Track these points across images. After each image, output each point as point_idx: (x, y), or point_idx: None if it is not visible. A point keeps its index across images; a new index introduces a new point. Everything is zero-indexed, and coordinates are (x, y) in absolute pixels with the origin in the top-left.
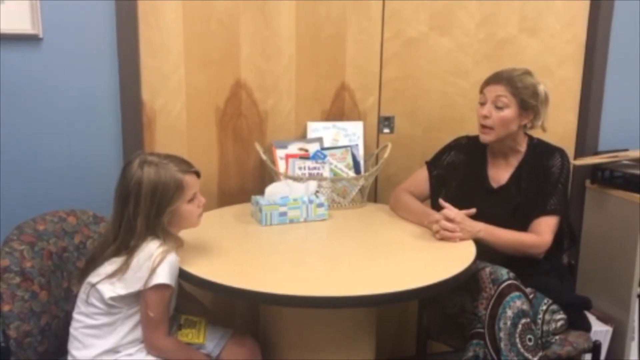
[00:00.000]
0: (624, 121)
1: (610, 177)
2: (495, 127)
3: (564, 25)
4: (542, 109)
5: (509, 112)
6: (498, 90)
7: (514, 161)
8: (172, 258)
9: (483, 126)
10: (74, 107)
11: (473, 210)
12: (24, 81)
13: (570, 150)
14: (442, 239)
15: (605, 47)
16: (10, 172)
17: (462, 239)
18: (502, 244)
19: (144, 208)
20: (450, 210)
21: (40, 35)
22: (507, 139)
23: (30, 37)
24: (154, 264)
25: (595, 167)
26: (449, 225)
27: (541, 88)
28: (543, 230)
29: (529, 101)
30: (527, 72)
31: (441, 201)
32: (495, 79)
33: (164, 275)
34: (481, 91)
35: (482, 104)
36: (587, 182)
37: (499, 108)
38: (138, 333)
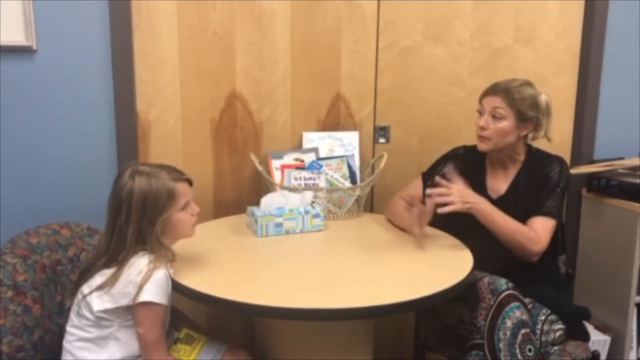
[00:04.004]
0: (619, 130)
1: (606, 185)
2: (493, 137)
3: (558, 34)
4: (544, 120)
5: (506, 124)
6: (495, 101)
7: (513, 171)
8: (160, 275)
9: (481, 136)
10: (69, 118)
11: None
12: (18, 93)
13: (566, 159)
14: (438, 206)
15: (599, 56)
16: (4, 184)
17: (458, 206)
18: (499, 227)
19: (135, 218)
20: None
21: (34, 47)
22: (506, 148)
23: (24, 48)
24: (142, 280)
25: (591, 176)
26: (437, 190)
27: (542, 98)
28: (539, 230)
29: (526, 113)
30: (527, 83)
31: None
32: (493, 90)
33: (150, 293)
34: (480, 101)
35: (480, 113)
36: (584, 191)
37: (496, 119)
38: (132, 349)
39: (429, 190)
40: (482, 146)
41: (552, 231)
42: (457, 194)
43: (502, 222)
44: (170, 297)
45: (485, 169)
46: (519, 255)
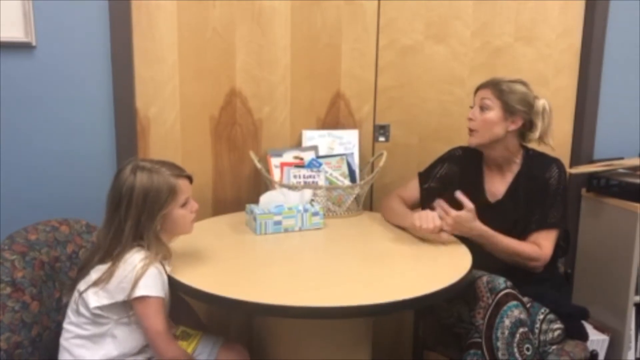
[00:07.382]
0: (619, 130)
1: (606, 185)
2: (479, 129)
3: (559, 34)
4: (538, 121)
5: (493, 114)
6: (483, 93)
7: (510, 174)
8: (154, 270)
9: (469, 129)
10: (68, 115)
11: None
12: (17, 89)
13: (565, 159)
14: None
15: (600, 56)
16: (3, 180)
17: (449, 236)
18: (500, 251)
19: (134, 213)
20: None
21: (34, 44)
22: (498, 146)
23: (23, 45)
24: (137, 275)
25: (591, 176)
26: (430, 214)
27: (539, 102)
28: (543, 244)
29: (514, 105)
30: (521, 82)
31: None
32: (484, 83)
33: (146, 287)
34: (474, 96)
35: (472, 107)
36: (583, 191)
37: (483, 110)
38: (128, 346)
39: (438, 203)
40: (471, 140)
41: (556, 240)
42: (459, 222)
43: (501, 247)
44: (167, 290)
45: (483, 172)
46: (522, 267)
